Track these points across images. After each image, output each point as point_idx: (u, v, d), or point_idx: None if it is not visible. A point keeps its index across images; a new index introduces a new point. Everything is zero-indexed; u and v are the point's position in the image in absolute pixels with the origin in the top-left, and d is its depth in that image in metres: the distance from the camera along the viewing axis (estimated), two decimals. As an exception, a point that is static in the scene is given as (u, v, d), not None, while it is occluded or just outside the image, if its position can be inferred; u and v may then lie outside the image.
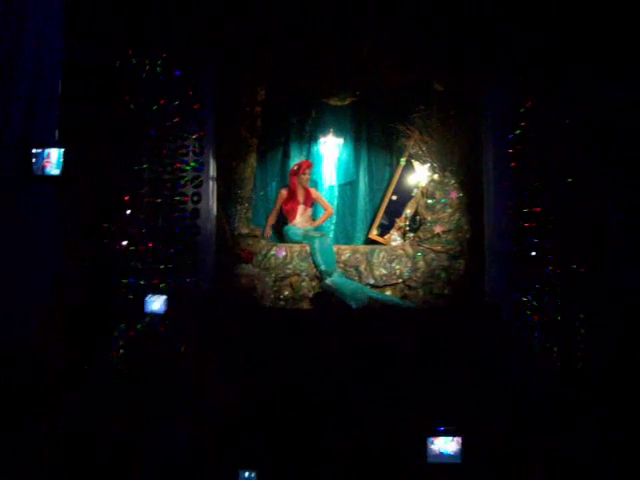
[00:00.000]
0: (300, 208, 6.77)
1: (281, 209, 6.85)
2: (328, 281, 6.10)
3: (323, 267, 6.18)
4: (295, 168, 6.82)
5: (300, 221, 6.73)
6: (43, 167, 3.81)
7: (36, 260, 3.94)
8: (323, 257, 6.24)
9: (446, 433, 4.16)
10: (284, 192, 6.81)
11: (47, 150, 3.82)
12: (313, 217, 6.94)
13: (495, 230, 5.61)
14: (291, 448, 4.43)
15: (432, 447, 4.14)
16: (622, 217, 5.13)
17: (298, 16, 5.54)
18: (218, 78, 5.65)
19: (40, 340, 3.94)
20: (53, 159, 3.84)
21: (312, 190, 6.89)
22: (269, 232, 6.82)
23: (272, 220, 6.87)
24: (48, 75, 3.86)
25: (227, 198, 6.14)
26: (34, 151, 3.81)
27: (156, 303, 4.72)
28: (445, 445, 4.14)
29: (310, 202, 6.84)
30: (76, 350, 4.49)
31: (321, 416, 4.77)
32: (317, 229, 6.81)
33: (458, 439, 4.13)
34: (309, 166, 6.82)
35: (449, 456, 4.16)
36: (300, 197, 6.77)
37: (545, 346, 5.07)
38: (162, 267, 5.25)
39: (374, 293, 6.16)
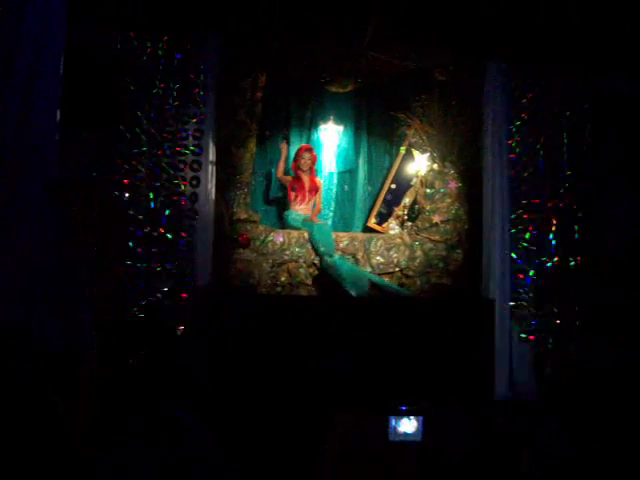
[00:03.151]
0: (306, 196, 6.74)
1: (286, 195, 6.83)
2: (329, 261, 6.06)
3: (323, 249, 6.15)
4: (295, 154, 6.82)
5: (302, 208, 6.71)
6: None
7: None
8: (322, 241, 6.21)
9: (408, 412, 4.22)
10: (288, 177, 6.79)
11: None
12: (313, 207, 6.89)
13: (493, 221, 5.62)
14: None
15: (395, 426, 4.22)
16: (623, 210, 5.14)
17: (301, 1, 5.52)
18: (219, 62, 5.64)
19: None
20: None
21: (318, 179, 6.86)
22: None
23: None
24: (50, 57, 3.86)
25: (226, 183, 6.13)
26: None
27: None
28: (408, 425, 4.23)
29: (315, 191, 6.79)
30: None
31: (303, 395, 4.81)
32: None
33: (419, 418, 4.20)
34: (307, 149, 6.77)
35: (410, 434, 4.24)
36: (306, 185, 6.74)
37: (540, 338, 5.11)
38: (160, 250, 5.28)
39: (375, 278, 6.14)
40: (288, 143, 6.98)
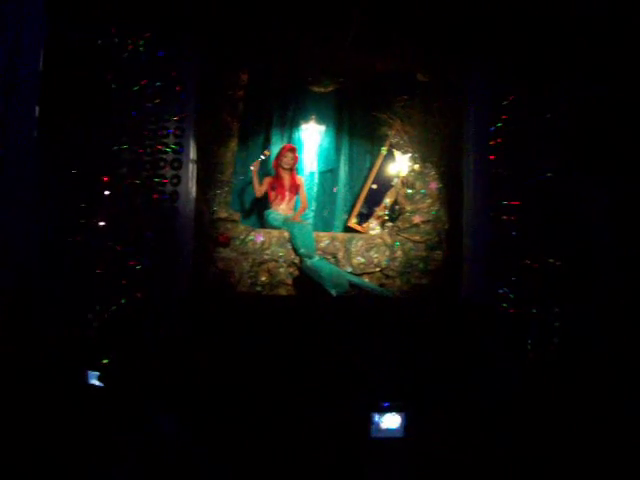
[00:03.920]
0: (287, 195, 6.72)
1: (266, 195, 6.79)
2: (308, 263, 6.05)
3: (303, 250, 6.14)
4: (277, 152, 6.81)
5: (283, 208, 6.69)
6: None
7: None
8: (303, 242, 6.21)
9: (391, 409, 4.23)
10: (268, 179, 6.77)
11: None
12: (294, 207, 6.88)
13: (473, 222, 5.65)
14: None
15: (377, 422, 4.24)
16: (602, 212, 5.18)
17: (283, 1, 5.50)
18: (201, 60, 5.61)
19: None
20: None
21: (299, 177, 6.86)
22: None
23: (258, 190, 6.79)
24: (29, 52, 3.81)
25: (207, 182, 6.11)
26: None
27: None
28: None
29: (295, 190, 6.78)
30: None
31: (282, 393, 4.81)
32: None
33: (402, 414, 4.22)
34: (290, 149, 6.77)
35: (393, 430, 4.25)
36: (286, 183, 6.73)
37: (519, 338, 5.13)
38: (139, 249, 5.23)
39: (354, 278, 6.15)
40: (266, 160, 6.95)
